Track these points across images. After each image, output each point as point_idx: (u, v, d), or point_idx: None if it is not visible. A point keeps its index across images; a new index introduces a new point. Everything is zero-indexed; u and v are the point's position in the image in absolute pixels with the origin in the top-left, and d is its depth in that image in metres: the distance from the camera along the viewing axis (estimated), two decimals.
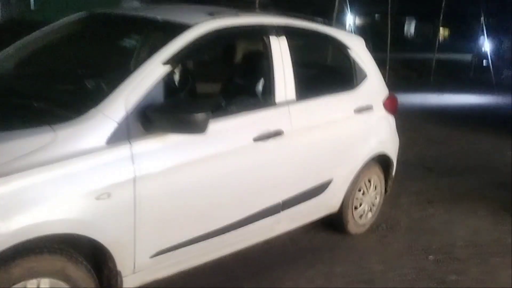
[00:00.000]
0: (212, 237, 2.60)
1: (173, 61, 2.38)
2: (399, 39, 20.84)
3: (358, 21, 22.88)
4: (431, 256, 3.52)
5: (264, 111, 2.81)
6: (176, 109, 2.21)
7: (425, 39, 25.60)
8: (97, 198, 2.03)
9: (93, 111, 2.10)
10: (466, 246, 3.72)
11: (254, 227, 2.84)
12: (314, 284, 3.02)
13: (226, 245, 2.75)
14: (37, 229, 1.89)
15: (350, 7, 12.55)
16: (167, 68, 2.34)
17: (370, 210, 3.89)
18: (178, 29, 2.53)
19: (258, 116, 2.76)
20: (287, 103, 2.90)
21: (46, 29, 3.03)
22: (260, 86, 2.98)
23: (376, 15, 26.64)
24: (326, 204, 3.43)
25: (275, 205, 2.94)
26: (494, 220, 4.23)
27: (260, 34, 2.90)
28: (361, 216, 3.80)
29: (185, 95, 3.11)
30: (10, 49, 2.93)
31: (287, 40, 2.98)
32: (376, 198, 3.91)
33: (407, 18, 30.78)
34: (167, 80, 3.29)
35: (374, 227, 3.95)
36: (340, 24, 11.70)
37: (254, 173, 2.72)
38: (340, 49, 3.50)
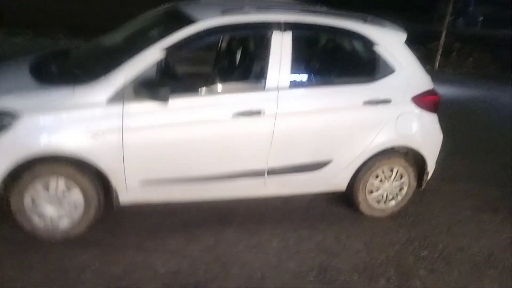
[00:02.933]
0: (194, 182, 3.49)
1: (171, 49, 3.26)
2: None
3: None
4: (424, 252, 3.66)
5: (250, 94, 3.48)
6: (148, 83, 3.13)
7: None
8: (93, 137, 3.14)
9: (102, 79, 3.19)
10: (474, 254, 3.69)
11: (236, 183, 3.59)
12: (279, 242, 3.58)
13: (209, 191, 3.60)
14: (54, 148, 3.12)
15: None
16: (163, 54, 3.25)
17: (393, 198, 4.12)
18: (187, 22, 3.38)
19: (243, 97, 3.45)
20: (278, 89, 3.48)
21: (145, 15, 4.19)
22: (253, 74, 3.61)
23: None
24: (327, 181, 3.88)
25: (258, 170, 3.60)
26: None
27: (263, 29, 3.50)
28: (379, 202, 4.09)
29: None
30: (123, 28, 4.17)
31: (294, 35, 3.50)
32: (402, 189, 4.11)
33: None
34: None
35: (400, 216, 4.15)
36: None
37: (230, 140, 3.44)
38: (366, 44, 3.78)
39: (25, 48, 7.63)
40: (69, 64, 3.62)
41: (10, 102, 3.07)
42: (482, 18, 9.95)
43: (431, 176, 4.18)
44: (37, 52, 4.12)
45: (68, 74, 3.45)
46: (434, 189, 4.43)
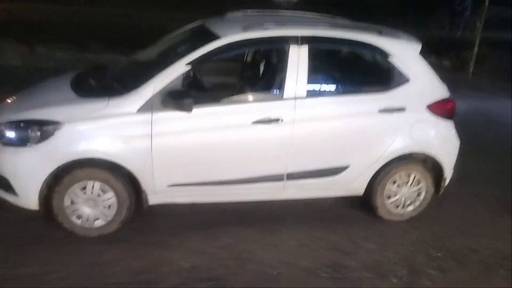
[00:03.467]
0: (217, 185, 3.76)
1: (195, 63, 3.57)
2: None
3: None
4: (436, 253, 3.77)
5: (269, 103, 3.74)
6: (174, 95, 3.44)
7: None
8: (125, 143, 3.48)
9: (133, 91, 3.52)
10: (487, 255, 3.77)
11: (257, 186, 3.84)
12: (295, 242, 3.79)
13: (231, 194, 3.87)
14: (91, 153, 3.47)
15: None
16: (188, 68, 3.56)
17: (411, 203, 4.25)
18: (211, 38, 3.68)
19: (262, 106, 3.71)
20: (295, 98, 3.72)
21: (176, 32, 4.54)
22: (272, 84, 3.85)
23: None
24: (344, 186, 4.07)
25: (278, 175, 3.84)
26: None
27: (281, 43, 3.77)
28: (397, 206, 4.23)
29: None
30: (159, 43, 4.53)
31: (310, 48, 3.74)
32: (420, 194, 4.23)
33: None
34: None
35: (415, 217, 4.26)
36: None
37: (250, 146, 3.70)
38: (381, 56, 3.95)
39: (67, 62, 8.23)
40: (105, 78, 4.00)
41: (53, 113, 3.46)
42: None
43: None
44: (78, 66, 4.53)
45: (104, 87, 3.82)
46: (450, 191, 4.49)
